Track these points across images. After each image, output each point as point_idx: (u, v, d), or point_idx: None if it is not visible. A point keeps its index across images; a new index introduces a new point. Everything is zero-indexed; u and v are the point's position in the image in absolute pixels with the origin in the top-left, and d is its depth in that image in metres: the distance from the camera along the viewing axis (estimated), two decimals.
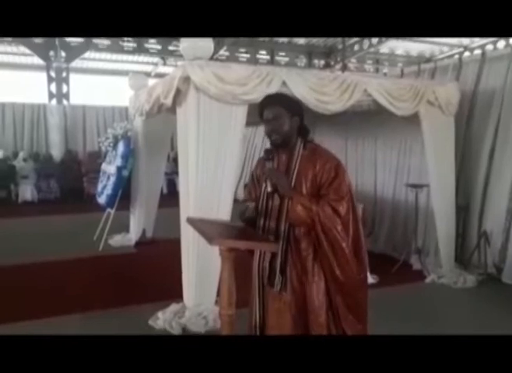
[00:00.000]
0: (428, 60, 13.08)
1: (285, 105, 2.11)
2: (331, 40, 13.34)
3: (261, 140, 10.31)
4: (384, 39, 12.01)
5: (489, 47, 11.90)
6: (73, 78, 12.66)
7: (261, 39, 12.93)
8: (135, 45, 12.41)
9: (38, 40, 11.52)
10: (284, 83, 3.92)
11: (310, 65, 14.11)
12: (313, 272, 2.05)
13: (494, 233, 5.07)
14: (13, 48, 12.09)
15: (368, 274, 2.72)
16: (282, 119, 2.09)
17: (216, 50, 11.23)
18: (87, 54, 12.25)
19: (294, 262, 2.07)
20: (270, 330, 2.15)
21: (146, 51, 12.68)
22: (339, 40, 12.49)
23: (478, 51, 10.22)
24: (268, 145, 2.22)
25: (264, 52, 13.85)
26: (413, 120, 4.80)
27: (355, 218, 2.06)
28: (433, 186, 4.98)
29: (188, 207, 3.83)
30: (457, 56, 10.45)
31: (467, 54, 12.15)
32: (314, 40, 13.41)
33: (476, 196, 5.33)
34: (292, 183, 2.06)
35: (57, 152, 11.75)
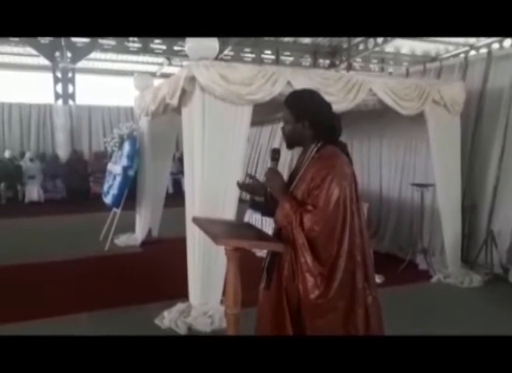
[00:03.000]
0: (433, 59, 13.03)
1: (292, 108, 2.04)
2: (336, 40, 13.32)
3: (266, 140, 10.31)
4: (389, 38, 11.97)
5: (495, 45, 11.83)
6: (79, 78, 12.72)
7: (266, 38, 12.92)
8: (140, 45, 12.43)
9: (44, 41, 11.58)
10: (289, 83, 3.93)
11: (315, 65, 14.09)
12: (288, 279, 1.95)
13: (502, 233, 5.04)
14: (19, 49, 12.14)
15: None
16: (287, 122, 2.07)
17: (221, 50, 11.23)
18: (93, 55, 12.28)
19: (280, 264, 2.01)
20: (256, 325, 2.16)
21: (151, 51, 12.70)
22: (344, 39, 12.48)
23: (484, 50, 10.17)
24: (274, 145, 2.21)
25: (269, 52, 13.84)
26: (419, 119, 4.79)
27: (341, 237, 1.87)
28: (439, 186, 4.96)
29: (194, 206, 3.85)
30: (462, 55, 10.41)
31: (473, 52, 12.09)
32: (319, 40, 13.39)
33: (486, 196, 5.30)
34: (292, 186, 2.03)
35: (63, 152, 11.82)
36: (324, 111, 2.05)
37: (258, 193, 2.22)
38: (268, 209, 2.20)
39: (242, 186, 2.24)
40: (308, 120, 2.00)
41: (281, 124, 2.14)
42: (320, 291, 1.86)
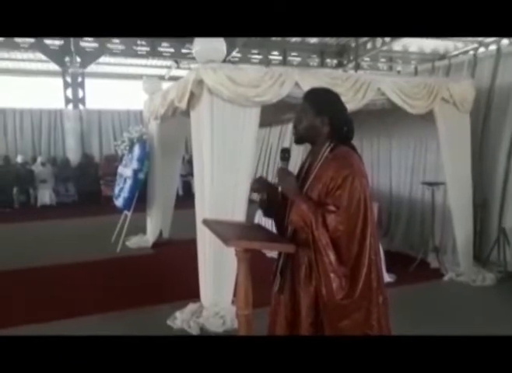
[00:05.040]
0: (442, 57, 12.95)
1: (312, 101, 2.00)
2: (343, 39, 13.29)
3: (276, 140, 10.30)
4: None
5: (505, 41, 11.70)
6: (88, 82, 12.83)
7: (273, 39, 12.94)
8: (148, 49, 12.53)
9: (53, 47, 11.71)
10: (297, 84, 3.93)
11: (322, 65, 14.07)
12: (305, 281, 1.94)
13: None
14: (29, 55, 12.30)
15: (386, 274, 2.50)
16: (304, 115, 2.01)
17: (229, 52, 11.27)
18: (102, 59, 12.40)
19: (295, 266, 2.00)
20: (269, 328, 2.15)
21: (160, 55, 12.79)
22: (352, 38, 12.45)
23: (493, 47, 10.08)
24: (284, 145, 2.16)
25: (276, 52, 13.85)
26: (428, 117, 4.77)
27: (362, 236, 1.85)
28: (450, 184, 4.93)
29: (204, 208, 3.87)
30: (471, 52, 10.32)
31: (482, 49, 11.98)
32: (327, 39, 13.38)
33: (495, 193, 5.26)
34: (306, 186, 1.99)
35: (74, 156, 11.94)
36: (342, 111, 2.04)
37: (263, 191, 2.14)
38: (270, 210, 2.17)
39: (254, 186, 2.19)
40: (328, 116, 1.98)
41: (290, 126, 2.12)
42: (345, 292, 1.83)
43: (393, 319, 2.05)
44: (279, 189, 2.04)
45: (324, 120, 1.98)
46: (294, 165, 2.24)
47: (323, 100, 2.02)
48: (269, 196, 2.14)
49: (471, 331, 3.42)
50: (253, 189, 2.15)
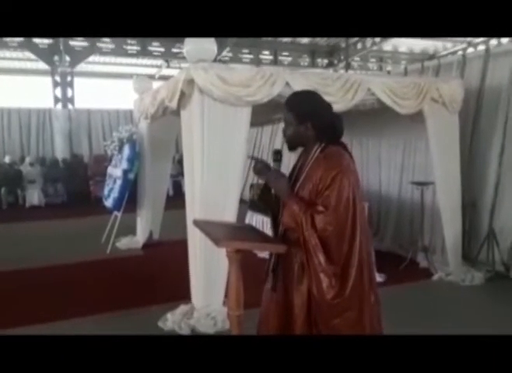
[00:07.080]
0: (431, 56, 13.06)
1: (294, 111, 2.02)
2: (334, 39, 13.35)
3: (267, 140, 10.31)
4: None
5: (493, 42, 11.82)
6: (78, 82, 12.73)
7: (264, 39, 12.96)
8: (138, 48, 12.47)
9: (42, 46, 11.60)
10: (287, 84, 3.93)
11: (313, 64, 14.11)
12: (298, 280, 1.96)
13: (504, 231, 5.04)
14: (18, 54, 12.18)
15: (376, 274, 2.52)
16: (289, 124, 2.05)
17: (219, 52, 11.26)
18: (91, 58, 12.32)
19: (287, 265, 2.02)
20: (259, 325, 2.17)
21: (150, 54, 12.74)
22: (342, 38, 12.51)
23: (482, 47, 10.18)
24: (276, 145, 2.17)
25: (267, 52, 13.87)
26: (417, 117, 4.79)
27: (352, 235, 1.87)
28: (439, 184, 4.97)
29: (194, 208, 3.85)
30: (460, 52, 10.41)
31: (471, 49, 12.10)
32: (317, 39, 13.43)
33: (487, 194, 5.29)
34: (297, 186, 2.01)
35: (62, 156, 11.83)
36: (325, 112, 2.05)
37: (264, 173, 2.12)
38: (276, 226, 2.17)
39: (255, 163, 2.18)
40: (311, 121, 2.00)
41: (282, 125, 2.13)
42: (335, 291, 1.86)
43: (382, 319, 2.07)
44: (272, 190, 2.06)
45: (308, 126, 2.01)
46: (287, 166, 2.26)
47: (303, 107, 2.03)
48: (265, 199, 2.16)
49: (460, 330, 3.44)
50: (255, 172, 2.14)
